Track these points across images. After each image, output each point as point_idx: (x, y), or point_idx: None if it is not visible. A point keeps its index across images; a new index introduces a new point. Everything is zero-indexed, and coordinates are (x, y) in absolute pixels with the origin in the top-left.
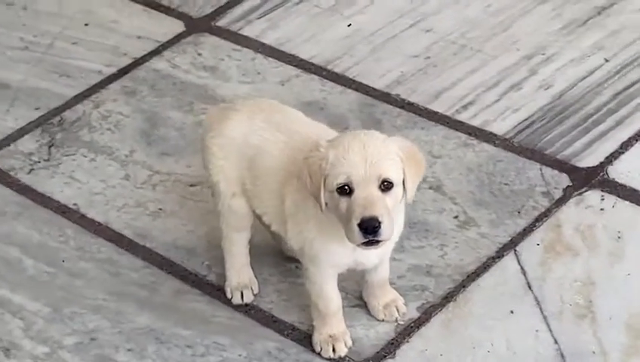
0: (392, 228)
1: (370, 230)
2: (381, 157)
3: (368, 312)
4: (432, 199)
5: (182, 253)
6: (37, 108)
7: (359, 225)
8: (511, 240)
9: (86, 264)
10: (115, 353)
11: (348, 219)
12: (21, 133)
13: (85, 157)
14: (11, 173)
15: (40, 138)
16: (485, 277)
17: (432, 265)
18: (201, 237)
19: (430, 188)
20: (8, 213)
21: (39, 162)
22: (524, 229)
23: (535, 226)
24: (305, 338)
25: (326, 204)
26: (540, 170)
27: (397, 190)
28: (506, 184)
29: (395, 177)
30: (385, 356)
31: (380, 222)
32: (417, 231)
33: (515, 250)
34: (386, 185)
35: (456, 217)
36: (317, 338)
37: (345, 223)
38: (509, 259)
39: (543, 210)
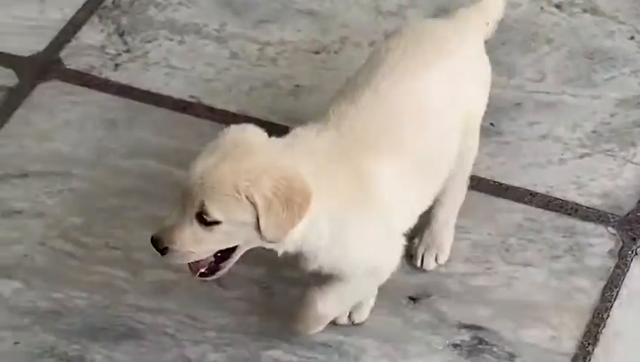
0: (192, 258)
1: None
2: (214, 182)
3: (599, 160)
4: (594, 23)
5: None
6: None
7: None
8: None
9: None
10: None
11: None
12: (75, 24)
13: (171, 40)
14: (94, 73)
15: (103, 26)
16: None
17: None
18: None
19: (585, 11)
20: (119, 122)
21: (120, 55)
22: None
23: None
24: (551, 203)
25: None
26: None
27: (225, 228)
28: None
29: (221, 216)
30: None
31: (165, 248)
32: (599, 61)
33: None
34: (202, 219)
35: (632, 38)
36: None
37: None
38: None
39: None
